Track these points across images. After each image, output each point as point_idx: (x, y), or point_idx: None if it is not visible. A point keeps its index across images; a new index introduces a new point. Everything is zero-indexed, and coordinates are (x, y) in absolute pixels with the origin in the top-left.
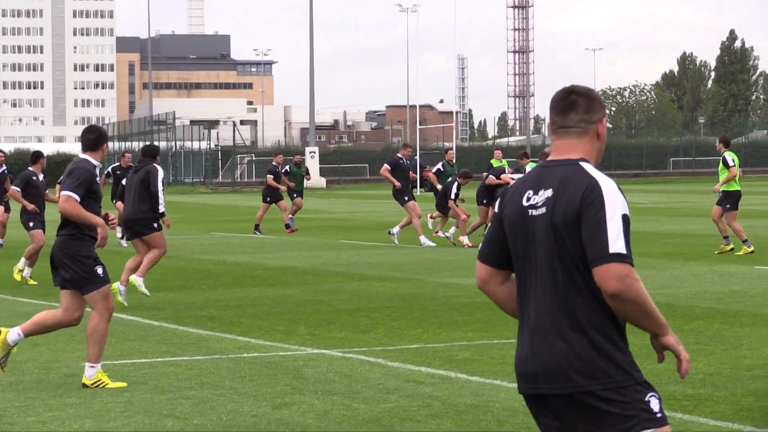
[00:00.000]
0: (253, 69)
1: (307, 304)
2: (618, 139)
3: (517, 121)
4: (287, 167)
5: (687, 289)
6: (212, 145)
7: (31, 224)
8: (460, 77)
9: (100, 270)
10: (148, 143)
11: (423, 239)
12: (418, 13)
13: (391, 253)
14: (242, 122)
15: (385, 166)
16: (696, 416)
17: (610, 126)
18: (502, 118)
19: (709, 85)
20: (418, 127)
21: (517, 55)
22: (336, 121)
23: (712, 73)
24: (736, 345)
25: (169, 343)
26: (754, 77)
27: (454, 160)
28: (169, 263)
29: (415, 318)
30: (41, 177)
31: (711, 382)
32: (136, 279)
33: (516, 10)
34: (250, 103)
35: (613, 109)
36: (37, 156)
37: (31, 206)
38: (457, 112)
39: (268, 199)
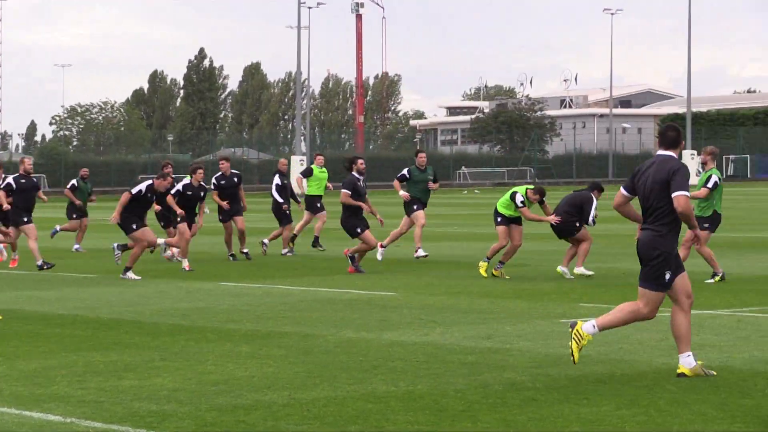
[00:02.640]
0: None
1: None
2: (86, 156)
3: None
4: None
5: (153, 306)
6: None
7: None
8: None
9: (668, 275)
10: None
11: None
12: None
13: None
14: None
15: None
16: None
17: (77, 143)
18: None
19: (178, 103)
20: None
21: None
22: None
23: (182, 91)
24: (201, 360)
25: None
26: (222, 96)
27: (424, 165)
28: None
29: None
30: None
31: (176, 397)
32: None
33: None
34: None
35: (82, 126)
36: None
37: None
38: None
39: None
